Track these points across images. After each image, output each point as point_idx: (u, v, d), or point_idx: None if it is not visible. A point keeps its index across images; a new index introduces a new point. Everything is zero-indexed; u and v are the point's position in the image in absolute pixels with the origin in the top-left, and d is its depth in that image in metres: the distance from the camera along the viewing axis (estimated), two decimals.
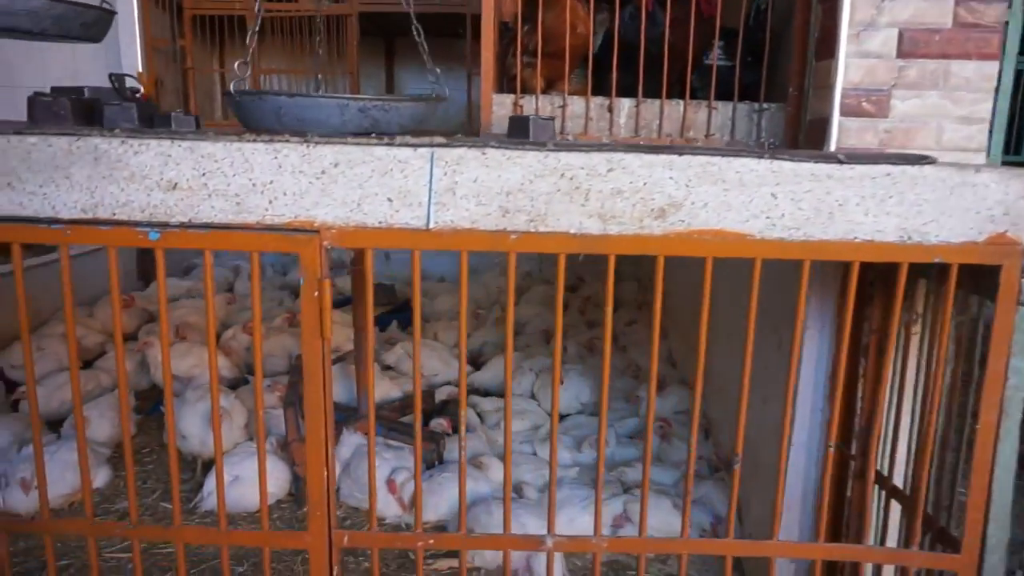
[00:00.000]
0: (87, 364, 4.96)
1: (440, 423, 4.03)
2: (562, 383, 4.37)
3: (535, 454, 3.82)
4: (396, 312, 6.07)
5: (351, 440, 3.73)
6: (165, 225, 1.76)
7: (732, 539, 1.88)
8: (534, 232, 1.72)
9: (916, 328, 2.34)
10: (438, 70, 2.31)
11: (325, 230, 1.74)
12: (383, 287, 6.51)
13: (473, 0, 6.60)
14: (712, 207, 1.69)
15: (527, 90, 2.90)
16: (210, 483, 3.54)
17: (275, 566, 3.03)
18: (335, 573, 1.95)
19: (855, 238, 1.69)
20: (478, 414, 4.31)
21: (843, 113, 2.34)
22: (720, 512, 3.32)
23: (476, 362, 5.15)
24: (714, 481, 3.47)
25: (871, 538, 2.19)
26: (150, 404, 4.69)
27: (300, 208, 1.73)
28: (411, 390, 4.41)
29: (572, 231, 1.71)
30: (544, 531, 3.07)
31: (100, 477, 3.79)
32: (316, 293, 1.76)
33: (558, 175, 1.68)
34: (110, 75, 2.02)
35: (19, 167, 1.74)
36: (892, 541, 2.28)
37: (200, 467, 3.82)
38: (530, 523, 3.07)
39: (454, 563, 3.15)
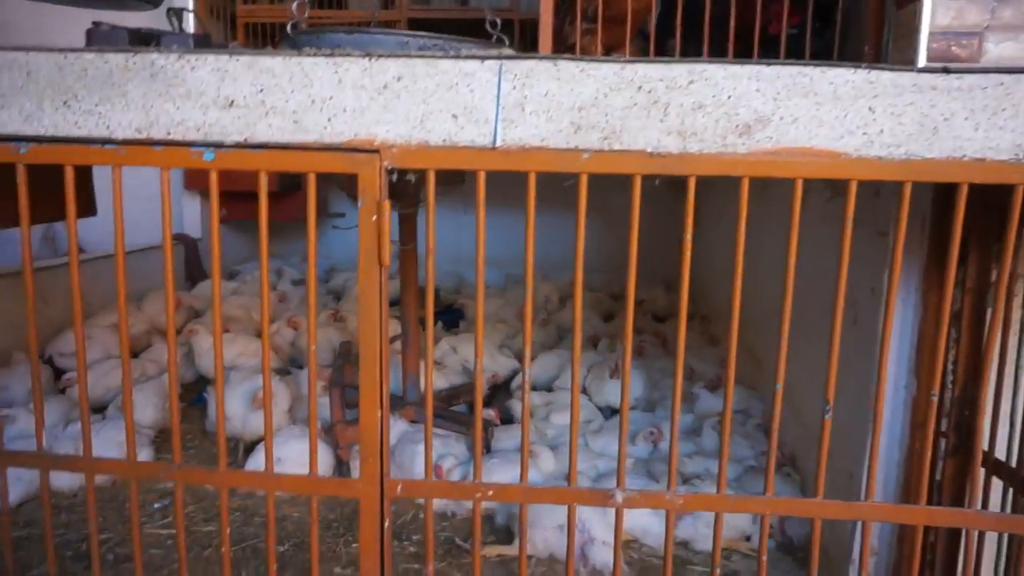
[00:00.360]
0: (134, 355, 4.98)
1: (488, 412, 3.89)
2: (614, 377, 4.21)
3: (587, 445, 3.65)
4: (440, 314, 5.99)
5: (397, 426, 3.62)
6: (220, 145, 1.69)
7: (821, 499, 1.70)
8: (607, 151, 1.60)
9: (1020, 287, 2.15)
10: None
11: (385, 149, 1.64)
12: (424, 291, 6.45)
13: (521, 4, 6.61)
14: (802, 122, 1.55)
15: None
16: (251, 463, 3.45)
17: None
18: (386, 525, 1.82)
19: (963, 156, 1.53)
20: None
21: (930, 60, 2.19)
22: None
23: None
24: (780, 476, 3.25)
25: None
26: (194, 395, 4.66)
27: (360, 126, 1.64)
28: (457, 383, 4.30)
29: (649, 150, 1.59)
30: (598, 518, 2.91)
31: (143, 456, 3.73)
32: (374, 217, 1.66)
33: (635, 88, 1.57)
34: (168, 10, 1.99)
35: (75, 85, 1.70)
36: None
37: (242, 451, 3.74)
38: (583, 511, 2.91)
39: (504, 551, 2.99)
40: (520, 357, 5.03)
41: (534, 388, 4.50)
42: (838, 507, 1.71)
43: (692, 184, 1.61)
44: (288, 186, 7.06)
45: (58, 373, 4.75)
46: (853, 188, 1.58)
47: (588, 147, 1.60)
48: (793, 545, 3.04)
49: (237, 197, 7.00)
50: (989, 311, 2.13)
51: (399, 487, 1.79)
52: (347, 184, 3.21)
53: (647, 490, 1.76)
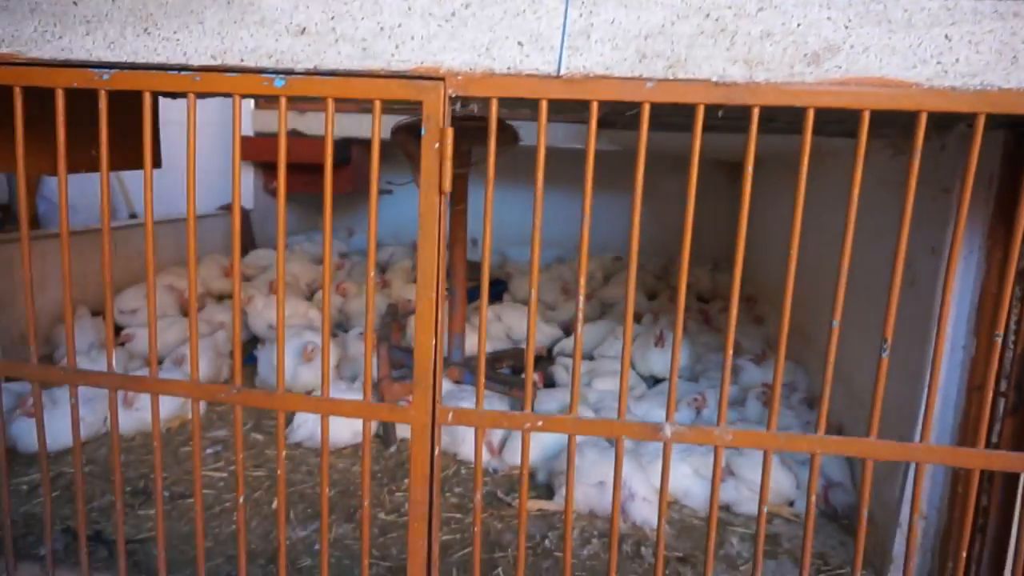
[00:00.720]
0: (188, 315, 5.14)
1: (533, 377, 3.92)
2: (659, 345, 4.20)
3: (629, 411, 3.64)
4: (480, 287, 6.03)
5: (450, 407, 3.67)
6: (290, 72, 1.74)
7: (874, 438, 1.68)
8: (672, 79, 1.60)
9: None
10: None
11: (451, 77, 1.67)
12: (472, 264, 6.51)
13: None
14: (874, 51, 1.53)
15: None
16: (300, 415, 3.54)
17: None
18: (436, 452, 1.86)
19: None
20: (569, 374, 4.18)
21: None
22: (832, 477, 3.06)
23: (567, 330, 5.03)
24: None
25: None
26: (245, 355, 4.79)
27: (427, 53, 1.67)
28: (502, 349, 4.33)
29: (714, 79, 1.59)
30: (639, 475, 2.91)
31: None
32: (437, 144, 1.69)
33: (703, 15, 1.56)
34: None
35: (156, 12, 1.76)
36: None
37: None
38: (625, 465, 2.92)
39: (545, 505, 3.02)
40: (565, 327, 5.06)
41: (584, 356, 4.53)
42: (891, 448, 1.69)
43: (756, 115, 1.60)
44: (339, 159, 7.18)
45: (117, 329, 4.95)
46: (923, 121, 1.55)
47: (652, 76, 1.60)
48: (837, 514, 3.01)
49: (289, 169, 7.19)
50: None
51: (450, 414, 1.83)
52: (403, 142, 3.26)
53: (696, 425, 1.76)
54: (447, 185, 1.70)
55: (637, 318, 5.47)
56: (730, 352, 1.71)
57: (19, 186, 1.96)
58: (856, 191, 1.58)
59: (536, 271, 1.74)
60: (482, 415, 1.82)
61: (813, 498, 1.74)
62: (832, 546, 2.83)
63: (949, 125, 2.36)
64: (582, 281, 1.71)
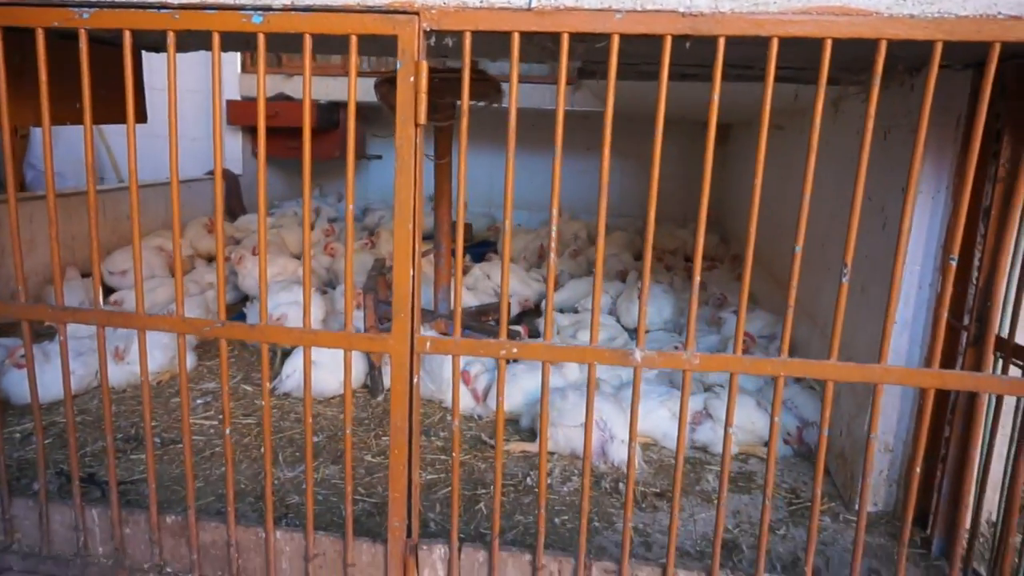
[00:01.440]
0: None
1: (517, 329, 3.99)
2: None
3: None
4: (471, 248, 6.09)
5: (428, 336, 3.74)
6: (268, 8, 1.77)
7: (835, 361, 1.76)
8: (640, 11, 1.64)
9: None
10: None
11: (425, 11, 1.70)
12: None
13: None
14: None
15: None
16: (288, 367, 3.61)
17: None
18: (415, 380, 1.92)
19: (998, 14, 1.54)
20: (555, 327, 4.26)
21: None
22: (807, 416, 3.15)
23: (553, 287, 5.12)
24: (801, 387, 3.30)
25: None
26: (235, 314, 4.85)
27: None
28: (488, 303, 4.40)
29: (681, 9, 1.62)
30: (619, 418, 2.99)
31: (187, 362, 3.92)
32: (412, 77, 1.73)
33: None
34: None
35: None
36: (1009, 406, 2.10)
37: (279, 357, 3.90)
38: (605, 409, 3.00)
39: (527, 447, 3.11)
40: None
41: (562, 310, 4.60)
42: (852, 369, 1.76)
43: (722, 46, 1.64)
44: (326, 123, 7.16)
45: (107, 291, 4.98)
46: (882, 50, 1.60)
47: (621, 7, 1.64)
48: (811, 452, 3.11)
49: (275, 133, 7.16)
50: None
51: (428, 343, 1.89)
52: (386, 95, 3.28)
53: (664, 351, 1.83)
54: (422, 117, 1.74)
55: (622, 276, 5.55)
56: (697, 277, 1.77)
57: (4, 139, 1.98)
58: (818, 119, 1.63)
59: (510, 211, 1.79)
60: (459, 343, 1.88)
61: (777, 418, 1.82)
62: (805, 481, 2.93)
63: (919, 67, 2.41)
64: (555, 226, 1.76)
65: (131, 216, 1.95)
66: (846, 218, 1.69)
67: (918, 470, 1.82)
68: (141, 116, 3.59)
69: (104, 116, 3.10)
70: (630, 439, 1.87)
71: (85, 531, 2.18)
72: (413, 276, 1.85)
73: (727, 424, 1.83)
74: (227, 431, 2.04)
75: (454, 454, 1.94)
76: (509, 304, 4.45)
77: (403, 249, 1.83)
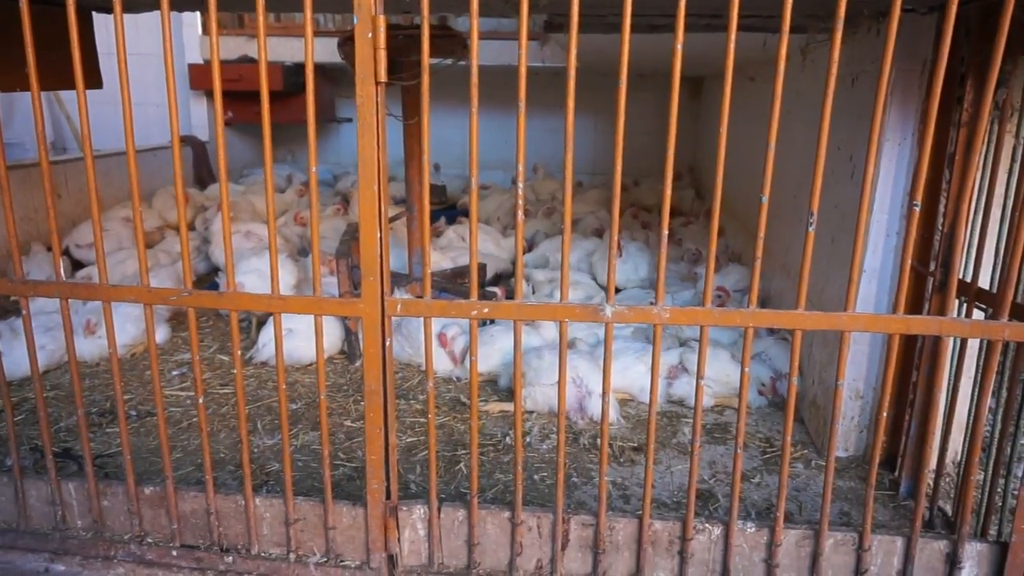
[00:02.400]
0: (148, 247, 5.10)
1: (493, 291, 3.99)
2: (620, 256, 4.28)
3: None
4: (445, 210, 6.04)
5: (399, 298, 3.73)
6: None
7: (803, 311, 1.77)
8: None
9: (1011, 125, 2.16)
10: None
11: None
12: (435, 188, 6.50)
13: None
14: None
15: None
16: (263, 336, 3.59)
17: (330, 406, 3.05)
18: (388, 344, 1.92)
19: None
20: (531, 285, 4.26)
21: None
22: (780, 368, 3.20)
23: (529, 247, 5.12)
24: (775, 339, 3.35)
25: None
26: (207, 284, 4.79)
27: None
28: (463, 265, 4.38)
29: None
30: (596, 375, 3.02)
31: (160, 334, 3.88)
32: (370, 33, 1.68)
33: None
34: None
35: None
36: (973, 349, 2.15)
37: (255, 326, 3.87)
38: (581, 366, 3.02)
39: (506, 407, 3.13)
40: (527, 244, 5.14)
41: (541, 267, 4.62)
42: (818, 318, 1.78)
43: None
44: (293, 86, 7.00)
45: (75, 264, 4.89)
46: None
47: None
48: (785, 402, 3.16)
49: (242, 98, 6.99)
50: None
51: (399, 305, 1.88)
52: (349, 54, 3.20)
53: (635, 306, 1.83)
54: (382, 74, 1.70)
55: (599, 233, 5.54)
56: (665, 231, 1.77)
57: None
58: (782, 65, 1.61)
59: (476, 170, 1.76)
60: (430, 305, 1.87)
61: (747, 369, 1.84)
62: (779, 431, 2.99)
63: (886, 12, 2.39)
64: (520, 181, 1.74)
65: (88, 184, 1.90)
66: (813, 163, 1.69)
67: (885, 415, 1.85)
68: (95, 82, 3.48)
69: (56, 82, 3.00)
70: (603, 392, 1.89)
71: (63, 505, 2.17)
72: (381, 238, 1.82)
73: (698, 375, 1.85)
74: (200, 400, 2.02)
75: (429, 415, 1.95)
76: (482, 265, 4.43)
77: (369, 210, 1.80)
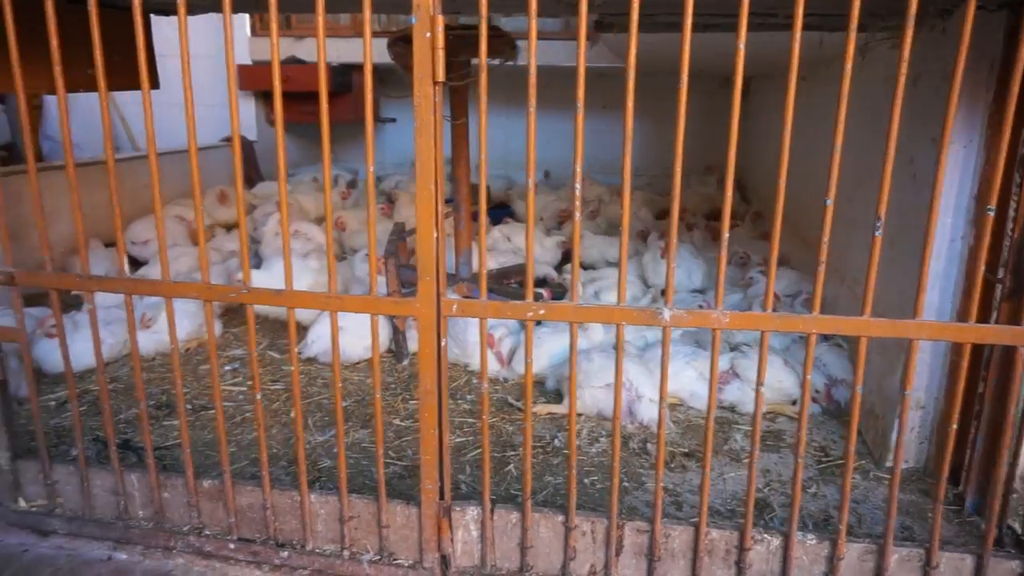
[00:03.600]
0: (197, 244, 5.22)
1: (540, 292, 3.97)
2: (664, 256, 4.23)
3: None
4: (489, 210, 6.05)
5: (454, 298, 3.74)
6: None
7: (868, 317, 1.72)
8: None
9: None
10: None
11: None
12: (476, 187, 6.54)
13: None
14: None
15: None
16: (313, 333, 3.63)
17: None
18: (443, 343, 1.92)
19: None
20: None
21: None
22: (835, 374, 3.12)
23: (570, 248, 5.11)
24: (828, 345, 3.27)
25: None
26: None
27: None
28: (507, 264, 4.38)
29: None
30: (645, 378, 2.98)
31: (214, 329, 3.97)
32: (428, 33, 1.69)
33: None
34: None
35: None
36: None
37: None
38: (630, 369, 2.99)
39: (554, 409, 3.12)
40: (571, 239, 5.13)
41: (584, 267, 4.60)
42: (884, 325, 1.72)
43: None
44: (339, 87, 7.08)
45: (130, 261, 5.03)
46: None
47: None
48: (840, 409, 3.09)
49: (291, 98, 7.10)
50: None
51: (454, 306, 1.88)
52: (400, 55, 3.22)
53: (695, 311, 1.81)
54: (440, 74, 1.70)
55: (643, 236, 5.49)
56: (726, 233, 1.74)
57: (21, 109, 1.97)
58: (848, 65, 1.57)
59: (533, 171, 1.75)
60: (485, 306, 1.87)
61: (809, 376, 1.79)
62: (834, 440, 2.92)
63: (951, 9, 2.31)
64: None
65: (151, 183, 1.94)
66: (873, 171, 1.64)
67: (954, 427, 1.79)
68: (154, 82, 3.57)
69: (116, 83, 3.08)
70: (660, 398, 1.86)
71: (125, 495, 2.23)
72: (437, 238, 1.83)
73: (758, 382, 1.81)
74: (258, 395, 2.05)
75: (483, 416, 1.94)
76: (533, 263, 4.43)
77: (426, 210, 1.81)
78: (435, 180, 1.77)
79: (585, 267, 4.80)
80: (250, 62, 7.33)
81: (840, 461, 2.75)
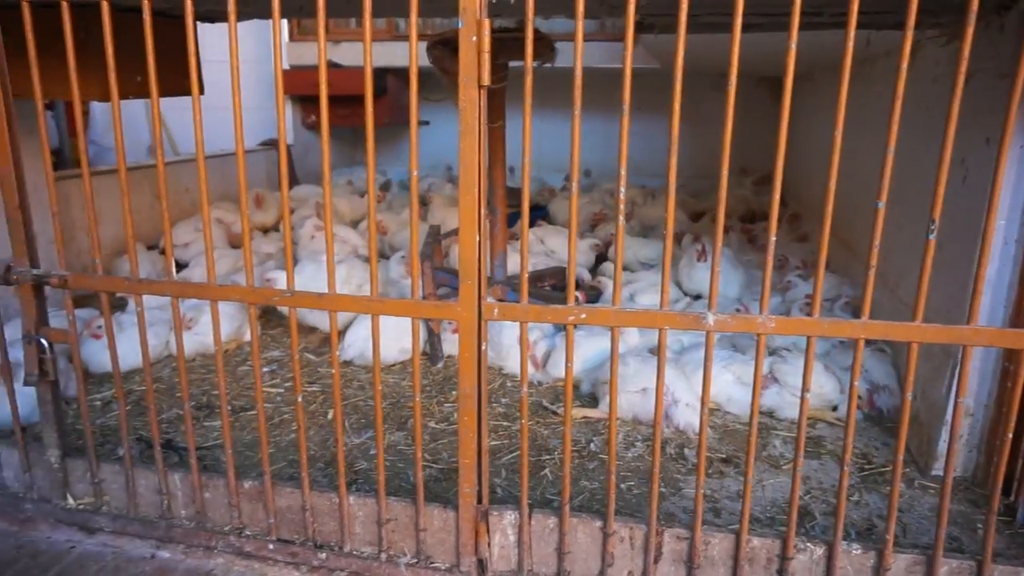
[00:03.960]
0: (236, 247, 5.29)
1: (576, 295, 3.96)
2: (702, 260, 4.19)
3: None
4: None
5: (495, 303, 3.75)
6: None
7: (920, 323, 1.68)
8: None
9: None
10: None
11: None
12: (511, 190, 6.53)
13: None
14: None
15: None
16: (350, 336, 3.66)
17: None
18: (483, 347, 1.92)
19: None
20: (606, 289, 4.22)
21: None
22: (877, 380, 3.06)
23: (605, 251, 5.08)
24: (871, 350, 3.20)
25: None
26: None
27: None
28: (543, 267, 4.37)
29: None
30: (682, 383, 2.95)
31: (249, 332, 4.02)
32: (474, 36, 1.69)
33: None
34: None
35: None
36: None
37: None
38: (667, 373, 2.96)
39: (590, 413, 3.10)
40: (605, 242, 5.11)
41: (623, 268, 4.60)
42: (937, 331, 1.68)
43: None
44: (377, 90, 7.13)
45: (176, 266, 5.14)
46: None
47: None
48: (882, 417, 3.02)
49: (328, 101, 7.20)
50: None
51: (496, 310, 1.88)
52: (439, 58, 3.23)
53: (740, 316, 1.78)
54: (486, 78, 1.70)
55: (677, 238, 5.44)
56: (772, 237, 1.71)
57: (76, 114, 2.02)
58: (904, 64, 1.53)
59: (577, 175, 1.75)
60: (526, 309, 1.86)
61: (856, 383, 1.75)
62: (876, 447, 2.85)
63: (1009, 5, 2.25)
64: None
65: (200, 187, 1.98)
66: (919, 171, 1.60)
67: (1010, 435, 1.74)
68: (201, 88, 3.64)
69: (166, 89, 3.15)
70: (702, 404, 1.83)
71: (168, 495, 2.26)
72: (479, 242, 1.83)
73: (804, 388, 1.78)
74: (299, 398, 2.07)
75: (522, 420, 1.93)
76: (563, 268, 4.39)
77: (469, 215, 1.81)
78: (478, 185, 1.76)
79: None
80: (287, 67, 7.43)
81: (883, 468, 2.68)
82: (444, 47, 3.12)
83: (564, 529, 2.00)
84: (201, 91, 3.55)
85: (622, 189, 1.75)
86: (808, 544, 1.92)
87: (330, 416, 3.07)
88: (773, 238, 1.72)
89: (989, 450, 2.51)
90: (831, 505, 2.48)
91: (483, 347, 1.92)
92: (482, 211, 1.80)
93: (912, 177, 3.03)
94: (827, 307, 3.88)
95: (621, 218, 1.78)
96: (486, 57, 1.68)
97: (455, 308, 1.89)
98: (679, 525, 1.99)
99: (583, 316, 1.83)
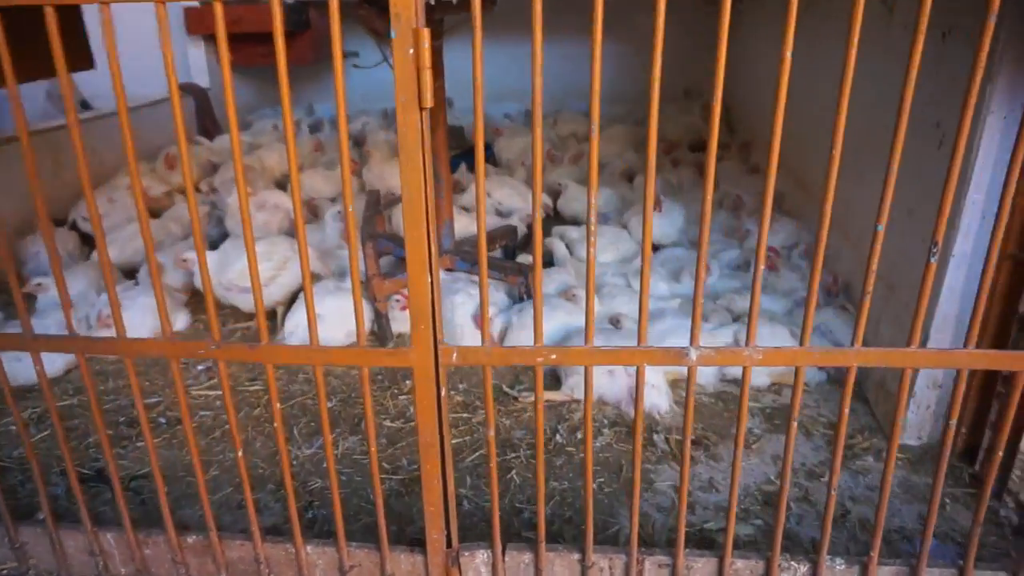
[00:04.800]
0: (155, 216, 4.83)
1: (524, 265, 3.76)
2: (657, 209, 4.01)
3: (629, 286, 3.52)
4: (465, 155, 5.70)
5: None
6: None
7: (915, 348, 1.55)
8: None
9: None
10: None
11: None
12: (451, 129, 6.14)
13: None
14: None
15: None
16: (290, 324, 3.40)
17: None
18: (442, 394, 1.72)
19: None
20: (567, 245, 4.01)
21: None
22: (841, 340, 3.00)
23: (554, 199, 4.84)
24: (834, 309, 3.13)
25: None
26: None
27: None
28: (492, 228, 4.12)
29: None
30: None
31: (179, 321, 3.71)
32: (411, 49, 1.39)
33: None
34: None
35: None
36: None
37: (280, 316, 3.66)
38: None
39: (552, 396, 2.96)
40: (553, 192, 4.86)
41: (574, 221, 4.38)
42: (932, 356, 1.57)
43: None
44: (294, 25, 6.52)
45: (85, 238, 4.64)
46: None
47: None
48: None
49: (243, 40, 6.51)
50: None
51: (454, 354, 1.67)
52: (367, 18, 2.85)
53: (723, 348, 1.62)
54: (428, 100, 1.42)
55: (629, 176, 5.23)
56: (760, 271, 1.53)
57: None
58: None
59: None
60: (490, 352, 1.67)
61: (847, 410, 1.64)
62: None
63: None
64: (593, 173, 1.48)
65: (125, 146, 1.66)
66: (888, 123, 1.43)
67: (1001, 451, 1.66)
68: (88, 62, 3.18)
69: (42, 71, 2.73)
70: (684, 437, 1.70)
71: (103, 554, 2.06)
72: (432, 284, 1.60)
73: (791, 416, 1.66)
74: (239, 453, 1.86)
75: (491, 464, 1.77)
76: (511, 228, 4.14)
77: (418, 254, 1.57)
78: (426, 220, 1.51)
79: (568, 222, 4.55)
80: (197, 3, 6.68)
81: (849, 439, 2.66)
82: (371, 6, 2.74)
83: (540, 565, 1.89)
84: (90, 66, 3.11)
85: (594, 129, 1.52)
86: (792, 563, 1.86)
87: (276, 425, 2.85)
88: (759, 284, 1.54)
89: (990, 468, 2.49)
90: (804, 489, 2.45)
91: (442, 393, 1.72)
92: (434, 249, 1.56)
93: (879, 128, 2.87)
94: (785, 255, 3.79)
95: (593, 217, 1.57)
96: (427, 75, 1.40)
97: (410, 354, 1.67)
98: (660, 552, 1.90)
99: (553, 357, 1.65)
